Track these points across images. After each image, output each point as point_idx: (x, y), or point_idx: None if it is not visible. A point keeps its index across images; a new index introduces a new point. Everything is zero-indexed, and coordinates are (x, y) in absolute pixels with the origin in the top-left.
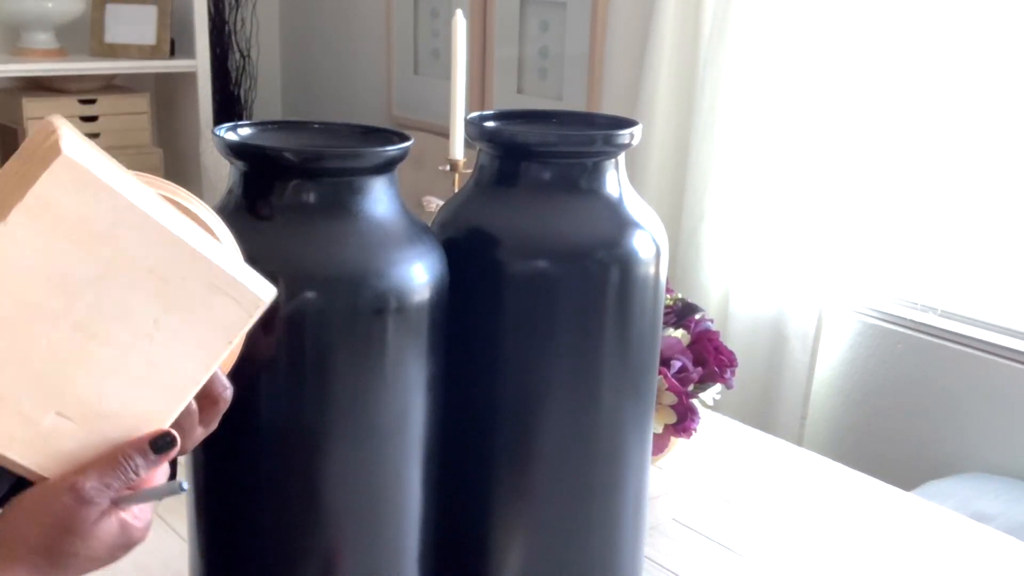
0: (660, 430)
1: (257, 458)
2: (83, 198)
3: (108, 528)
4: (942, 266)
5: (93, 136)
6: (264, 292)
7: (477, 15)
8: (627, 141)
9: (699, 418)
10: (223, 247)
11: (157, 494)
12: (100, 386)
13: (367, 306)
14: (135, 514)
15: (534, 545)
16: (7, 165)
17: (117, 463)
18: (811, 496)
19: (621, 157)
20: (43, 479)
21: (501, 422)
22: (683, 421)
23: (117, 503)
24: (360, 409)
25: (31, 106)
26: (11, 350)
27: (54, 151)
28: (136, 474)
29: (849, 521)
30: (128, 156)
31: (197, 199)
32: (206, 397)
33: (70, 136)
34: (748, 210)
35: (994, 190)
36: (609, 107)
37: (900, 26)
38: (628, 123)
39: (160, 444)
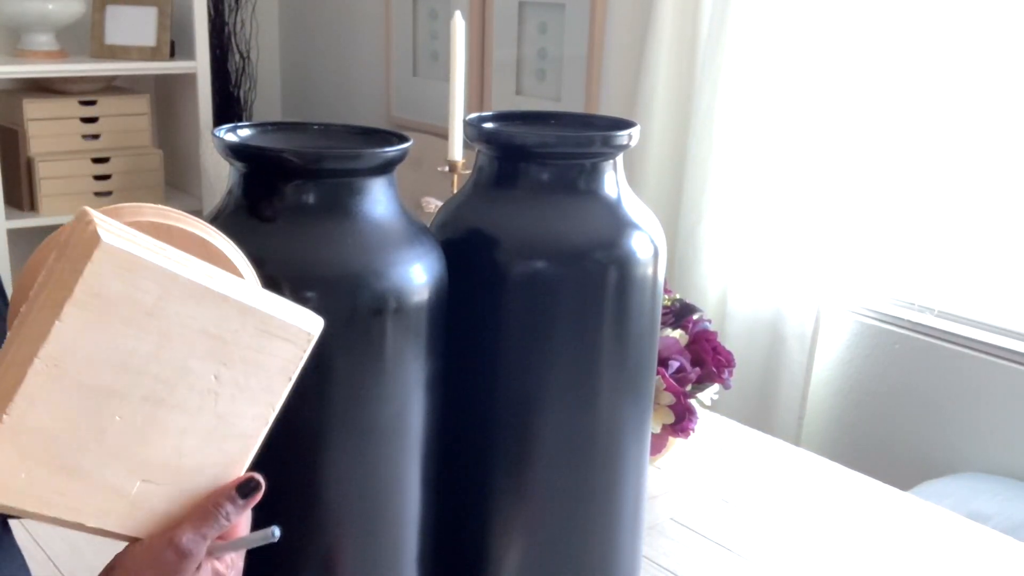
0: (658, 430)
1: (255, 459)
2: (128, 281)
3: None
4: (939, 266)
5: (93, 137)
6: (312, 325)
7: (476, 17)
8: (625, 142)
9: (697, 418)
10: (261, 290)
11: (251, 542)
12: (177, 447)
13: (366, 306)
14: (228, 563)
15: (533, 545)
16: (36, 256)
17: (209, 513)
18: (809, 496)
19: (619, 158)
20: (139, 540)
21: (500, 422)
22: (681, 421)
23: (211, 553)
24: (359, 410)
25: (31, 107)
26: (89, 431)
27: (94, 240)
28: (228, 520)
29: (846, 521)
30: (128, 157)
31: (214, 229)
32: None
33: (105, 223)
34: (746, 210)
35: (992, 190)
36: (607, 108)
37: (898, 26)
38: (626, 124)
39: (246, 489)
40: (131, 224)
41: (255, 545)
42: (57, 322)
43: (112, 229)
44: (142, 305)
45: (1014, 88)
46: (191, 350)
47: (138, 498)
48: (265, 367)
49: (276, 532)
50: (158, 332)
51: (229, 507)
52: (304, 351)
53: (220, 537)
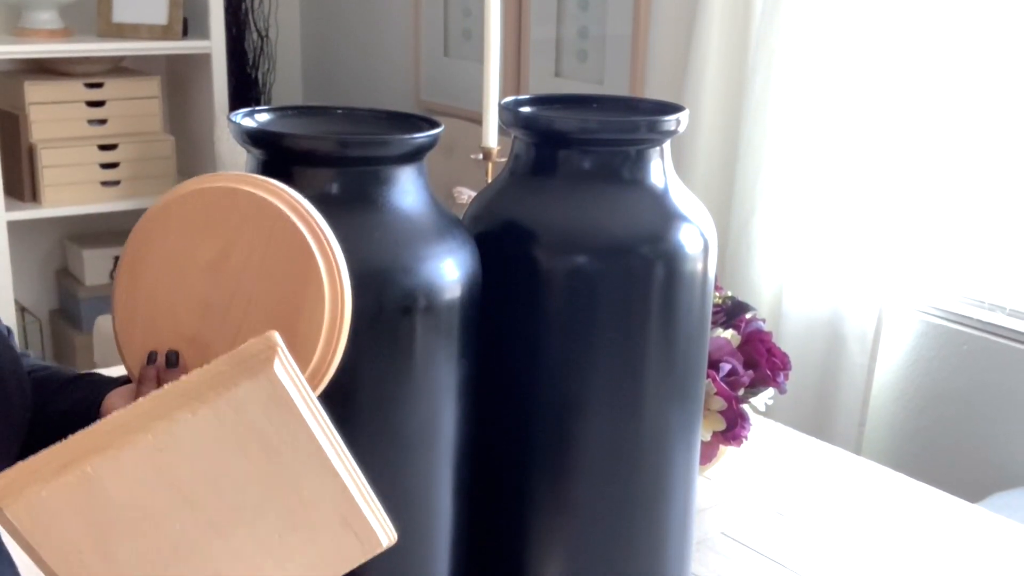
0: (708, 438)
1: None
2: (271, 414)
3: None
4: (1011, 262)
5: (100, 123)
6: (385, 536)
7: None
8: (673, 128)
9: (750, 425)
10: (361, 476)
11: None
12: None
13: (394, 304)
14: None
15: (574, 561)
16: (216, 362)
17: None
18: (870, 508)
19: (666, 145)
20: None
21: (538, 429)
22: (733, 428)
23: None
24: (386, 415)
25: (33, 90)
26: (147, 527)
27: (265, 364)
28: None
29: (911, 535)
30: (137, 144)
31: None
32: None
33: (284, 353)
34: (802, 202)
35: None
36: (654, 92)
37: (969, 4)
38: (674, 108)
39: None
40: (196, 191)
41: None
42: (188, 414)
43: (287, 363)
44: (266, 441)
45: None
46: (276, 498)
47: None
48: (325, 551)
49: None
50: (262, 470)
51: None
52: (366, 556)
53: None
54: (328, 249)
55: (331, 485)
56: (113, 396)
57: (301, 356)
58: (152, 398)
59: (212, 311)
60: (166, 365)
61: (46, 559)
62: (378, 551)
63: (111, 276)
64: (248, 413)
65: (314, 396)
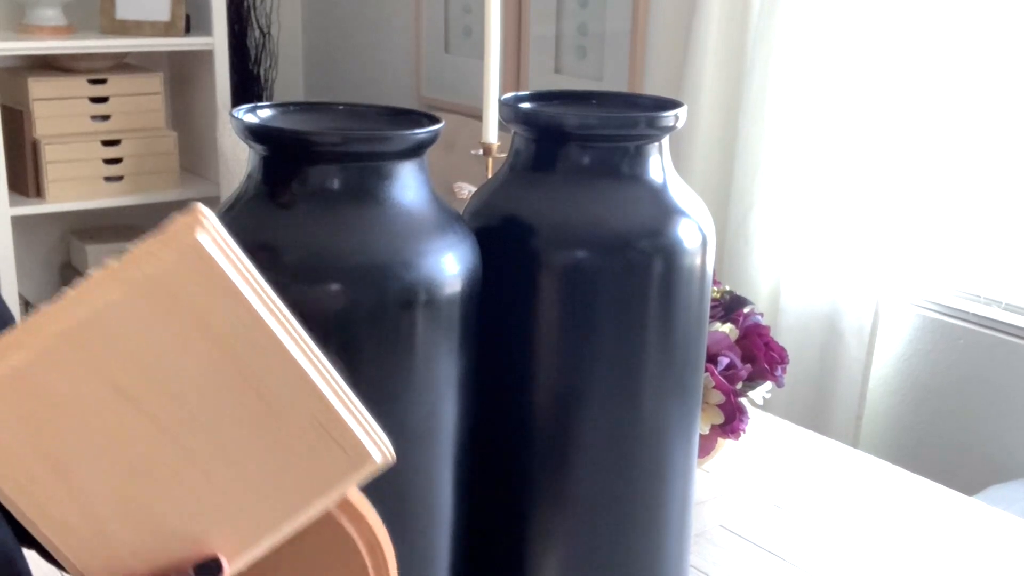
0: (706, 431)
1: None
2: (205, 293)
3: None
4: (1007, 256)
5: (103, 118)
6: (377, 450)
7: None
8: (672, 124)
9: (748, 418)
10: (347, 390)
11: None
12: (173, 504)
13: (394, 299)
14: None
15: (573, 553)
16: (138, 244)
17: None
18: (867, 501)
19: (665, 141)
20: None
21: (537, 423)
22: (731, 421)
23: None
24: (387, 409)
25: (37, 86)
26: (97, 438)
27: (188, 235)
28: None
29: (908, 528)
30: (140, 140)
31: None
32: None
33: (211, 225)
34: (800, 197)
35: None
36: (652, 87)
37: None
38: (673, 104)
39: (205, 570)
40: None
41: None
42: (111, 295)
43: (216, 236)
44: (207, 327)
45: None
46: (236, 403)
47: (105, 531)
48: (306, 468)
49: None
50: (211, 363)
51: None
52: (357, 473)
53: None
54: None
55: (295, 379)
56: None
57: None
58: (78, 286)
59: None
60: None
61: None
62: (371, 466)
63: None
64: (180, 294)
65: (265, 285)
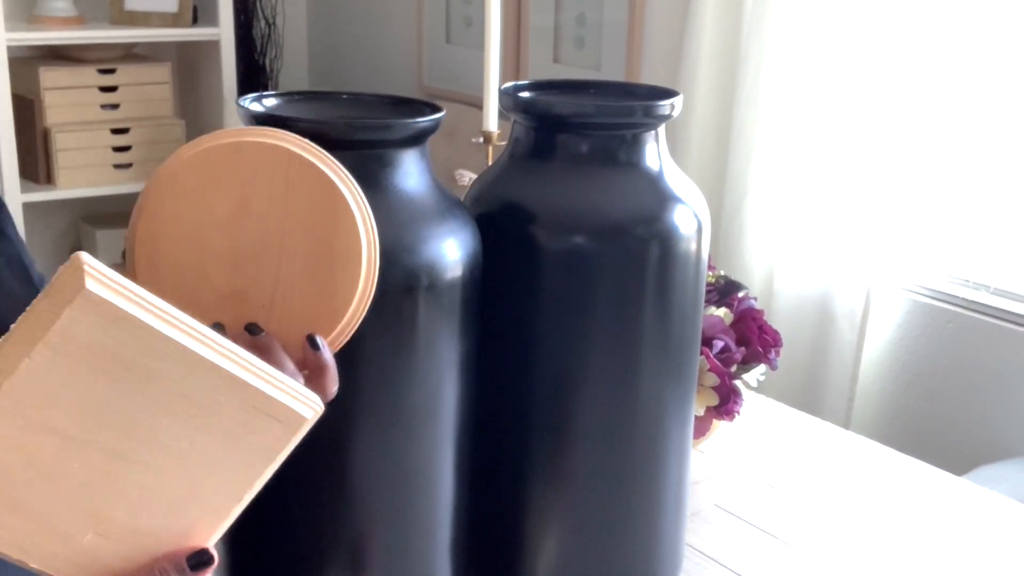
0: (702, 413)
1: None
2: (108, 331)
3: None
4: (995, 242)
5: (112, 107)
6: (307, 408)
7: None
8: (668, 112)
9: (742, 400)
10: (259, 362)
11: None
12: (136, 506)
13: (397, 284)
14: None
15: (571, 532)
16: (35, 303)
17: None
18: (858, 481)
19: (661, 129)
20: None
21: (536, 404)
22: (725, 403)
23: None
24: (390, 391)
25: (48, 76)
26: (45, 474)
27: (78, 286)
28: None
29: (898, 507)
30: (148, 128)
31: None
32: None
33: (95, 270)
34: (793, 184)
35: None
36: (649, 77)
37: None
38: (669, 93)
39: (196, 560)
40: (201, 151)
41: None
42: (26, 359)
43: (102, 278)
44: (120, 358)
45: None
46: (167, 410)
47: (88, 548)
48: (247, 443)
49: None
50: (133, 387)
51: (173, 575)
52: (295, 434)
53: None
54: (346, 177)
55: (215, 379)
56: None
57: (344, 287)
58: None
59: (243, 263)
60: None
61: None
62: (305, 424)
63: (124, 256)
64: (86, 339)
65: (158, 301)
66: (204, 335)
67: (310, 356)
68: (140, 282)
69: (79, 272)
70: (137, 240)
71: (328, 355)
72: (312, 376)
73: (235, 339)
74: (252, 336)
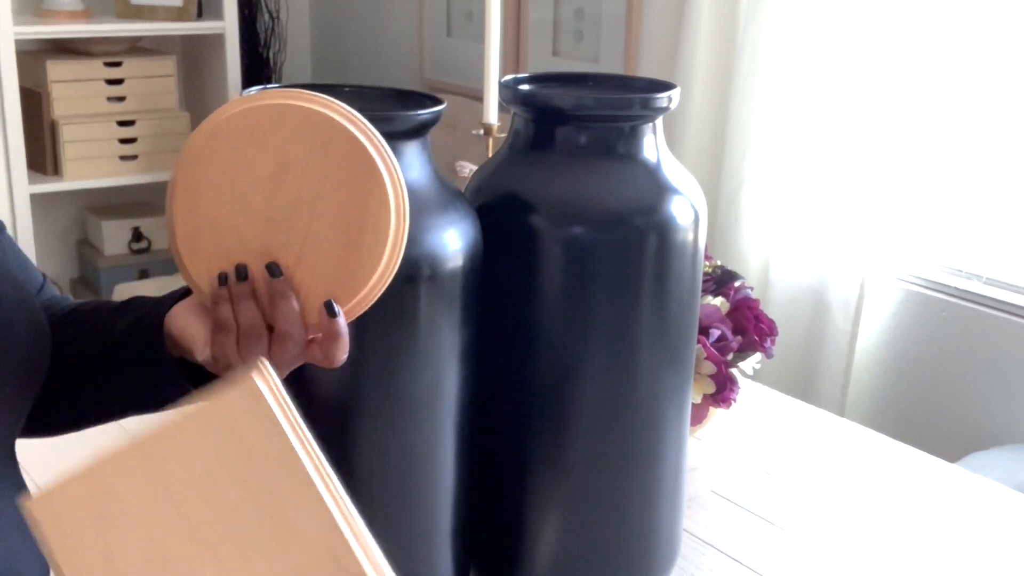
0: (699, 400)
1: None
2: (255, 428)
3: None
4: (987, 232)
5: (118, 100)
6: None
7: None
8: (665, 105)
9: (738, 388)
10: (359, 521)
11: None
12: None
13: (399, 273)
14: None
15: (570, 517)
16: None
17: None
18: (853, 468)
19: (659, 121)
20: None
21: (536, 392)
22: (722, 391)
23: None
24: (392, 379)
25: (55, 69)
26: (145, 535)
27: (247, 377)
28: None
29: (891, 493)
30: (154, 120)
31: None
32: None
33: (269, 373)
34: (789, 175)
35: None
36: (647, 70)
37: None
38: (666, 86)
39: None
40: (247, 109)
41: None
42: (178, 421)
43: (270, 381)
44: (250, 455)
45: None
46: (262, 521)
47: None
48: None
49: None
50: (247, 485)
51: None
52: None
53: None
54: (386, 154)
55: (318, 513)
56: (178, 309)
57: (369, 261)
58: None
59: (275, 223)
60: (236, 279)
61: (59, 560)
62: None
63: (130, 246)
64: (231, 422)
65: (305, 428)
66: (329, 476)
67: (325, 322)
68: (176, 228)
69: (254, 369)
70: (177, 188)
71: (343, 323)
72: (323, 341)
73: (256, 282)
74: (271, 277)
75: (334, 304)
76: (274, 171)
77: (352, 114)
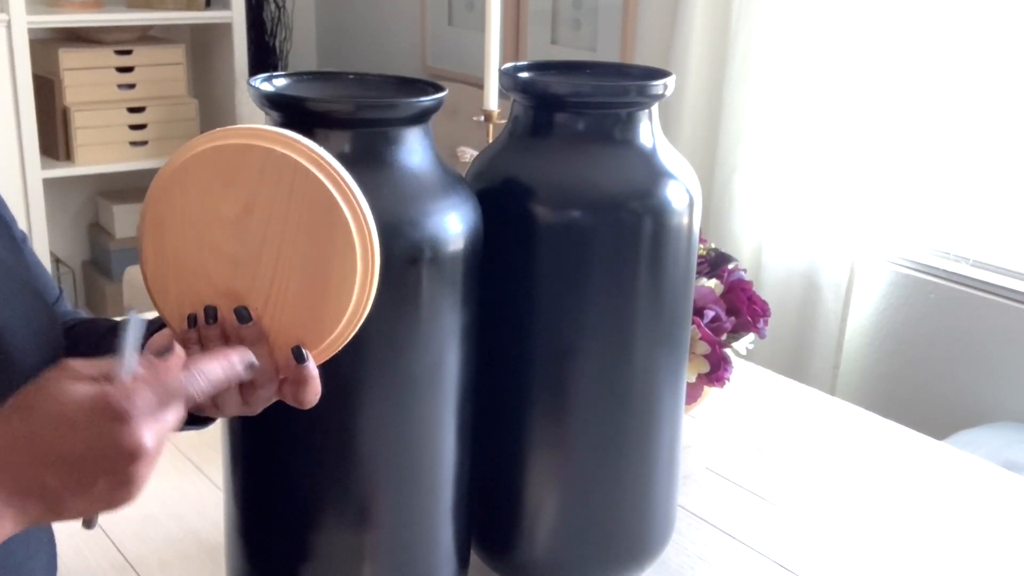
0: (693, 379)
1: (292, 408)
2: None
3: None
4: (975, 215)
5: (129, 87)
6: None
7: None
8: (660, 92)
9: (732, 368)
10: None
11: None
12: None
13: (401, 256)
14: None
15: (568, 494)
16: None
17: None
18: (843, 445)
19: (655, 108)
20: None
21: (535, 372)
22: (716, 371)
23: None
24: (394, 360)
25: (67, 57)
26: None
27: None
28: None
29: (880, 470)
30: (163, 107)
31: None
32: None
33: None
34: (781, 160)
35: None
36: (643, 58)
37: None
38: (662, 74)
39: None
40: (212, 148)
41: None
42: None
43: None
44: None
45: None
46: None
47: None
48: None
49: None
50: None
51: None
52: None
53: None
54: (351, 196)
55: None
56: (156, 338)
57: (337, 304)
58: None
59: (242, 266)
60: (205, 321)
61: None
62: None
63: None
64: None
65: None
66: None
67: (293, 367)
68: (146, 267)
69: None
70: (145, 227)
71: (312, 367)
72: (292, 384)
73: (224, 326)
74: (240, 324)
75: (303, 350)
76: (239, 212)
77: (317, 153)
